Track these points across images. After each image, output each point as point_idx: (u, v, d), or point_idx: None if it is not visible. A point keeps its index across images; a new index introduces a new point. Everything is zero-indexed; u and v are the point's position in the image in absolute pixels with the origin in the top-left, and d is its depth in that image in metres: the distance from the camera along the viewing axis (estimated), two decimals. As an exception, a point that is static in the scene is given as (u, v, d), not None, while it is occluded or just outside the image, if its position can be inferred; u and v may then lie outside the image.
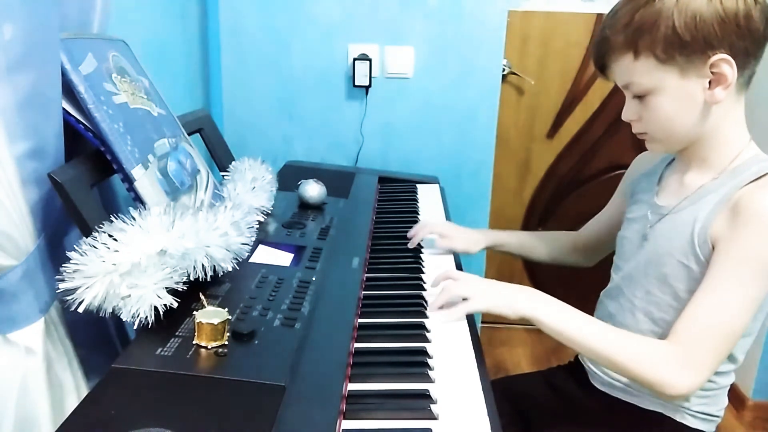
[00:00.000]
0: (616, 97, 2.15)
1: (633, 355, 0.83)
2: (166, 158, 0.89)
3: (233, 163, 1.18)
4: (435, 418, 0.69)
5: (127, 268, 0.70)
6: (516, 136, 2.22)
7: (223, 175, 1.15)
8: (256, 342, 0.73)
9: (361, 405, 0.72)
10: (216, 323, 0.71)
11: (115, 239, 0.70)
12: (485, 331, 2.37)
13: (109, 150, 0.79)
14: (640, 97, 0.86)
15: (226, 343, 0.72)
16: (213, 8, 1.69)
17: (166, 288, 0.73)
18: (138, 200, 0.81)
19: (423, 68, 1.80)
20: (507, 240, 1.22)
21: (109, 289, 0.69)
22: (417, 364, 0.80)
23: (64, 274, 0.67)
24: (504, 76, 2.09)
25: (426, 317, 0.92)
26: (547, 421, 1.04)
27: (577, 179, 2.27)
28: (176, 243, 0.75)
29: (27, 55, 0.68)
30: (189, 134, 1.05)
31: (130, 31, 1.03)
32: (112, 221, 0.73)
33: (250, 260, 0.96)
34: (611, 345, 0.84)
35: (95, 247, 0.69)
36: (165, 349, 0.70)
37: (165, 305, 0.72)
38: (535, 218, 2.33)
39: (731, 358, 0.90)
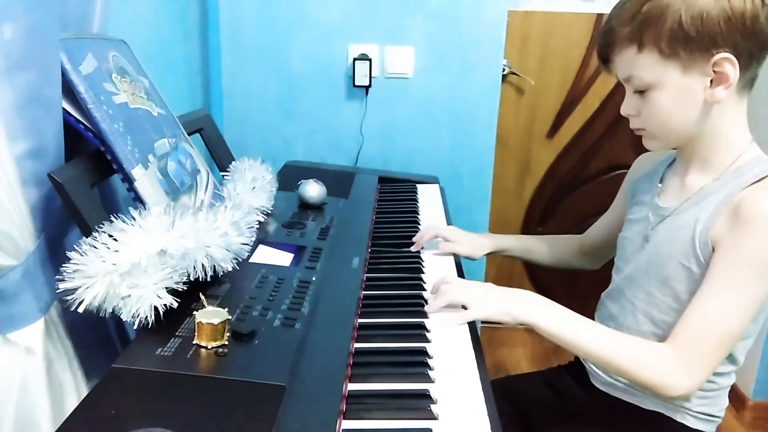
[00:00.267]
0: (616, 97, 2.15)
1: (632, 357, 0.83)
2: (166, 158, 0.89)
3: (233, 163, 1.18)
4: (435, 418, 0.69)
5: (127, 268, 0.70)
6: (516, 136, 2.22)
7: (223, 175, 1.15)
8: (256, 342, 0.73)
9: (361, 405, 0.71)
10: (216, 323, 0.71)
11: (115, 239, 0.70)
12: (485, 331, 2.37)
13: (109, 150, 0.79)
14: (640, 92, 0.86)
15: (226, 343, 0.72)
16: (213, 8, 1.69)
17: (166, 288, 0.73)
18: (138, 200, 0.81)
19: (423, 68, 1.80)
20: (512, 245, 1.22)
21: (109, 289, 0.69)
22: (417, 364, 0.80)
23: (64, 274, 0.67)
24: (504, 76, 2.09)
25: (426, 317, 0.92)
26: (547, 422, 1.04)
27: (577, 179, 2.27)
28: (176, 243, 0.75)
29: (27, 55, 0.68)
30: (189, 134, 1.05)
31: (130, 31, 1.03)
32: (112, 221, 0.73)
33: (250, 260, 0.96)
34: (610, 348, 0.84)
35: (95, 247, 0.69)
36: (165, 349, 0.70)
37: (165, 305, 0.72)
38: (535, 218, 2.33)
39: (732, 359, 0.90)
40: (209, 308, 0.74)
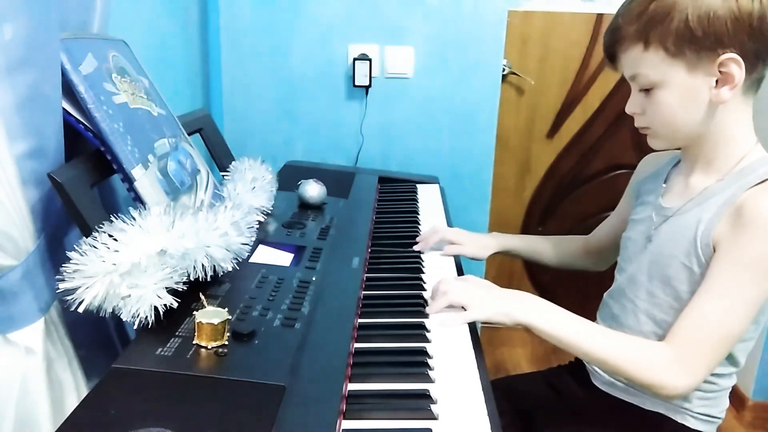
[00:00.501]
0: (616, 98, 2.15)
1: (629, 357, 0.83)
2: (166, 158, 0.89)
3: (233, 163, 1.18)
4: (435, 418, 0.69)
5: (127, 268, 0.70)
6: (516, 136, 2.22)
7: (223, 175, 1.15)
8: (256, 342, 0.73)
9: (361, 405, 0.71)
10: (216, 323, 0.71)
11: (115, 239, 0.70)
12: (485, 331, 2.37)
13: (109, 150, 0.79)
14: (646, 90, 0.86)
15: (226, 343, 0.72)
16: (213, 8, 1.69)
17: (166, 288, 0.73)
18: (138, 200, 0.81)
19: (423, 68, 1.80)
20: (517, 245, 1.22)
21: (109, 289, 0.69)
22: (417, 364, 0.80)
23: (64, 274, 0.67)
24: (504, 76, 2.09)
25: (426, 317, 0.92)
26: (547, 421, 1.04)
27: (577, 179, 2.27)
28: (176, 243, 0.75)
29: (27, 55, 0.68)
30: (189, 134, 1.05)
31: (130, 31, 1.03)
32: (112, 221, 0.73)
33: (250, 260, 0.96)
34: (607, 348, 0.84)
35: (95, 247, 0.69)
36: (165, 349, 0.70)
37: (165, 305, 0.72)
38: (535, 218, 2.33)
39: (733, 360, 0.90)
40: (209, 308, 0.74)
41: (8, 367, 0.72)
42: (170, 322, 0.74)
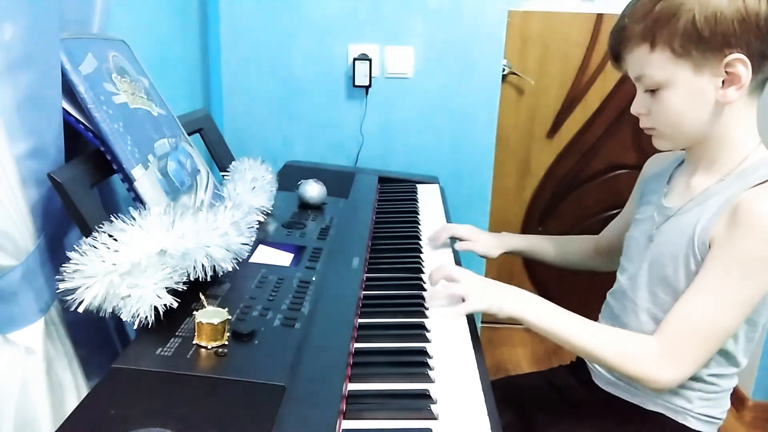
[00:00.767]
0: (616, 98, 2.15)
1: (616, 349, 0.85)
2: (166, 158, 0.89)
3: (233, 163, 1.18)
4: (435, 418, 0.69)
5: (127, 268, 0.70)
6: (516, 136, 2.22)
7: (223, 175, 1.15)
8: (256, 342, 0.73)
9: (361, 405, 0.72)
10: (216, 323, 0.71)
11: (115, 239, 0.70)
12: (485, 331, 2.37)
13: (109, 150, 0.79)
14: (651, 91, 0.86)
15: (226, 343, 0.72)
16: (213, 8, 1.69)
17: (166, 288, 0.73)
18: (138, 200, 0.81)
19: (423, 68, 1.80)
20: (527, 245, 1.23)
21: (109, 289, 0.69)
22: (417, 364, 0.80)
23: (64, 274, 0.67)
24: (504, 76, 2.09)
25: (426, 317, 0.92)
26: (548, 421, 1.04)
27: (577, 179, 2.27)
28: (176, 243, 0.75)
29: (27, 55, 0.68)
30: (189, 134, 1.05)
31: (130, 31, 1.03)
32: (112, 221, 0.73)
33: (250, 260, 0.96)
34: (595, 339, 0.86)
35: (95, 247, 0.69)
36: (165, 349, 0.70)
37: (165, 305, 0.72)
38: (535, 218, 2.33)
39: (733, 361, 0.90)
40: (209, 308, 0.74)
41: (8, 367, 0.72)
42: (170, 322, 0.74)
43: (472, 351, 0.84)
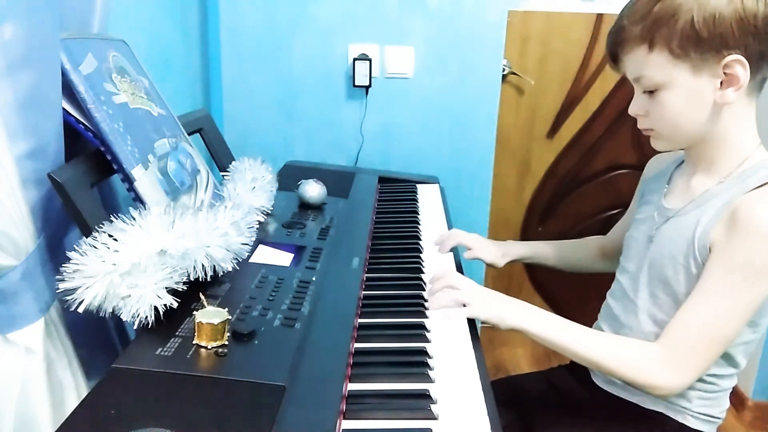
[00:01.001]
0: (616, 98, 2.15)
1: (618, 357, 0.85)
2: (166, 158, 0.89)
3: (233, 163, 1.18)
4: (435, 418, 0.69)
5: (127, 268, 0.70)
6: (516, 136, 2.22)
7: (223, 175, 1.15)
8: (256, 342, 0.73)
9: (361, 405, 0.72)
10: (216, 323, 0.71)
11: (115, 239, 0.70)
12: (485, 331, 2.37)
13: (109, 150, 0.79)
14: (649, 92, 0.86)
15: (226, 343, 0.72)
16: (213, 8, 1.69)
17: (166, 288, 0.73)
18: (138, 200, 0.81)
19: (423, 68, 1.80)
20: (533, 252, 1.23)
21: (109, 289, 0.69)
22: (417, 364, 0.80)
23: (64, 274, 0.67)
24: (504, 76, 2.09)
25: (426, 317, 0.92)
26: (548, 421, 1.04)
27: (577, 179, 2.27)
28: (176, 243, 0.75)
29: (27, 55, 0.68)
30: (189, 134, 1.05)
31: (130, 31, 1.03)
32: (112, 221, 0.73)
33: (250, 260, 0.96)
34: (598, 348, 0.86)
35: (95, 247, 0.69)
36: (165, 349, 0.70)
37: (165, 305, 0.72)
38: (535, 218, 2.33)
39: (733, 362, 0.90)
40: (209, 308, 0.74)
41: (8, 367, 0.72)
42: (170, 322, 0.74)
43: (472, 351, 0.84)
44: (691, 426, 0.92)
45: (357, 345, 0.84)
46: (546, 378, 1.14)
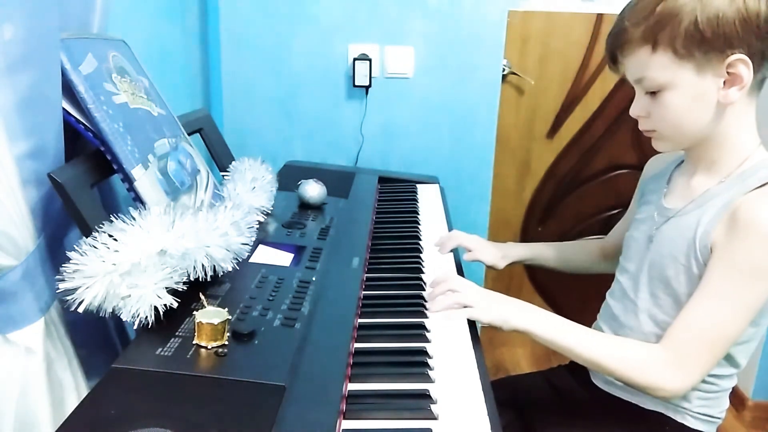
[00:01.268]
0: (616, 98, 2.15)
1: (622, 359, 0.85)
2: (166, 158, 0.89)
3: (233, 163, 1.18)
4: (435, 418, 0.69)
5: (127, 268, 0.70)
6: (516, 136, 2.22)
7: (223, 175, 1.15)
8: (256, 342, 0.73)
9: (361, 405, 0.72)
10: (216, 323, 0.71)
11: (115, 239, 0.70)
12: (485, 331, 2.37)
13: (109, 150, 0.79)
14: (651, 93, 0.86)
15: (226, 343, 0.72)
16: (213, 8, 1.69)
17: (166, 288, 0.73)
18: (138, 200, 0.81)
19: (423, 68, 1.80)
20: (534, 254, 1.23)
21: (109, 289, 0.69)
22: (417, 364, 0.80)
23: (64, 274, 0.67)
24: (504, 76, 2.09)
25: (426, 317, 0.92)
26: (547, 421, 1.04)
27: (577, 179, 2.27)
28: (176, 243, 0.75)
29: (27, 55, 0.68)
30: (189, 134, 1.05)
31: (130, 31, 1.03)
32: (112, 221, 0.73)
33: (250, 260, 0.96)
34: (602, 350, 0.86)
35: (95, 247, 0.69)
36: (165, 349, 0.70)
37: (165, 305, 0.72)
38: (535, 218, 2.33)
39: (733, 362, 0.90)
40: (209, 308, 0.74)
41: (8, 367, 0.72)
42: (170, 322, 0.74)
43: (472, 351, 0.84)
44: (691, 426, 0.92)
45: (357, 345, 0.84)
46: (546, 378, 1.14)
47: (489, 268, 1.23)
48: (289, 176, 1.39)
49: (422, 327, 0.89)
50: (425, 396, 0.73)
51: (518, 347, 2.33)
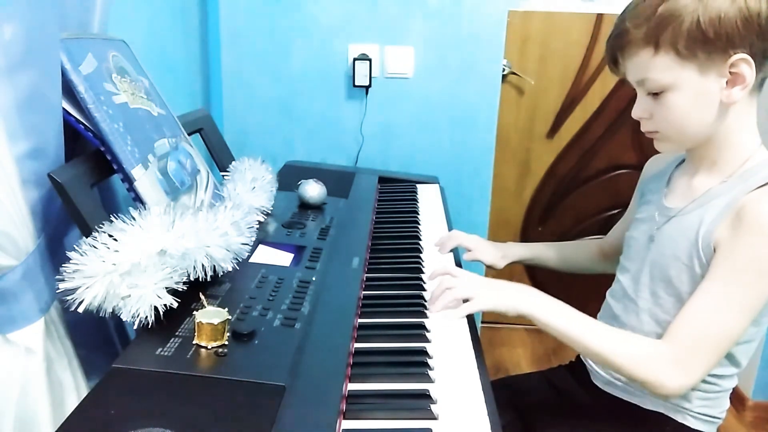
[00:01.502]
0: (616, 98, 2.15)
1: (626, 353, 0.84)
2: (166, 158, 0.89)
3: (233, 163, 1.18)
4: (435, 418, 0.69)
5: (127, 268, 0.70)
6: (516, 136, 2.22)
7: (223, 175, 1.15)
8: (256, 342, 0.73)
9: (361, 405, 0.72)
10: (216, 323, 0.71)
11: (115, 239, 0.70)
12: (485, 331, 2.37)
13: (109, 150, 0.79)
14: (654, 94, 0.86)
15: (226, 343, 0.72)
16: (213, 8, 1.69)
17: (166, 288, 0.73)
18: (138, 200, 0.81)
19: (423, 68, 1.80)
20: (533, 254, 1.23)
21: (109, 289, 0.69)
22: (417, 364, 0.80)
23: (64, 274, 0.67)
24: (504, 76, 2.09)
25: (426, 317, 0.92)
26: (547, 421, 1.04)
27: (577, 179, 2.27)
28: (176, 243, 0.75)
29: (27, 55, 0.68)
30: (189, 134, 1.05)
31: (130, 31, 1.03)
32: (112, 221, 0.72)
33: (250, 260, 0.96)
34: (606, 343, 0.85)
35: (95, 247, 0.69)
36: (165, 349, 0.70)
37: (165, 305, 0.72)
38: (535, 218, 2.33)
39: (734, 361, 0.90)
40: (209, 308, 0.74)
41: (8, 367, 0.72)
42: (170, 322, 0.74)
43: (472, 351, 0.84)
44: (691, 426, 0.92)
45: (357, 345, 0.84)
46: (546, 378, 1.14)
47: (489, 267, 1.23)
48: (289, 176, 1.39)
49: (422, 327, 0.89)
50: (425, 396, 0.73)
51: (518, 347, 2.33)
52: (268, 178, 1.18)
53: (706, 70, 0.81)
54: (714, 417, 0.93)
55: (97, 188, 0.86)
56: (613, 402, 0.99)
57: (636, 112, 0.89)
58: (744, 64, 0.79)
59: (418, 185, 1.64)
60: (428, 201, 1.53)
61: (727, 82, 0.81)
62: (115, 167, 0.80)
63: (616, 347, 0.84)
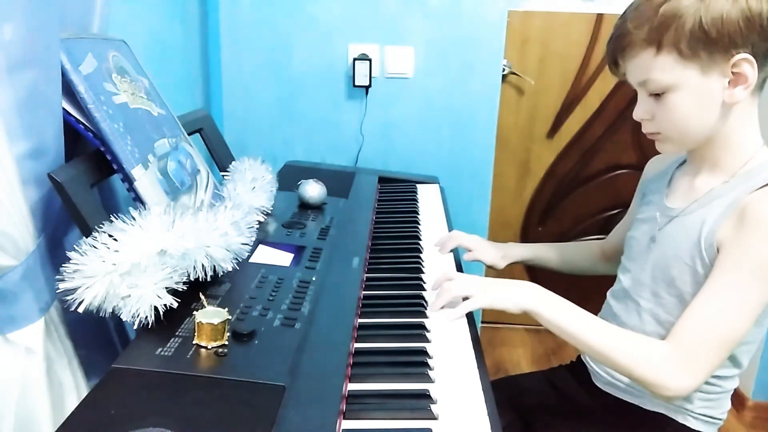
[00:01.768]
0: (616, 98, 2.15)
1: (630, 353, 0.83)
2: (166, 158, 0.89)
3: (233, 163, 1.18)
4: (435, 418, 0.69)
5: (127, 268, 0.70)
6: (516, 136, 2.22)
7: (223, 175, 1.15)
8: (256, 342, 0.73)
9: (361, 405, 0.72)
10: (216, 323, 0.71)
11: (115, 239, 0.70)
12: (485, 331, 2.37)
13: (109, 150, 0.79)
14: (655, 95, 0.85)
15: (226, 343, 0.72)
16: (213, 8, 1.69)
17: (166, 288, 0.73)
18: (138, 200, 0.81)
19: (423, 68, 1.80)
20: (534, 255, 1.23)
21: (109, 289, 0.69)
22: (417, 364, 0.80)
23: (64, 274, 0.67)
24: (504, 76, 2.09)
25: (426, 317, 0.92)
26: (548, 421, 1.04)
27: (577, 179, 2.27)
28: (176, 243, 0.75)
29: (27, 55, 0.68)
30: (189, 134, 1.05)
31: (130, 31, 1.03)
32: (112, 221, 0.73)
33: (250, 260, 0.96)
34: (609, 342, 0.84)
35: (95, 247, 0.69)
36: (165, 349, 0.70)
37: (165, 305, 0.72)
38: (535, 218, 2.33)
39: (736, 362, 0.90)
40: (209, 308, 0.74)
41: (8, 367, 0.72)
42: (170, 322, 0.74)
43: (472, 351, 0.84)
44: (692, 427, 0.92)
45: (357, 345, 0.84)
46: (546, 378, 1.14)
47: (489, 268, 1.23)
48: (289, 176, 1.39)
49: (422, 327, 0.89)
50: (425, 396, 0.73)
51: (518, 347, 2.33)
52: (268, 178, 1.18)
53: (708, 70, 0.81)
54: (715, 418, 0.93)
55: (97, 188, 0.86)
56: (614, 402, 0.99)
57: (637, 114, 0.89)
58: (746, 63, 0.79)
59: (418, 185, 1.64)
60: (428, 201, 1.53)
61: (729, 82, 0.81)
62: (115, 167, 0.80)
63: (618, 346, 0.84)
